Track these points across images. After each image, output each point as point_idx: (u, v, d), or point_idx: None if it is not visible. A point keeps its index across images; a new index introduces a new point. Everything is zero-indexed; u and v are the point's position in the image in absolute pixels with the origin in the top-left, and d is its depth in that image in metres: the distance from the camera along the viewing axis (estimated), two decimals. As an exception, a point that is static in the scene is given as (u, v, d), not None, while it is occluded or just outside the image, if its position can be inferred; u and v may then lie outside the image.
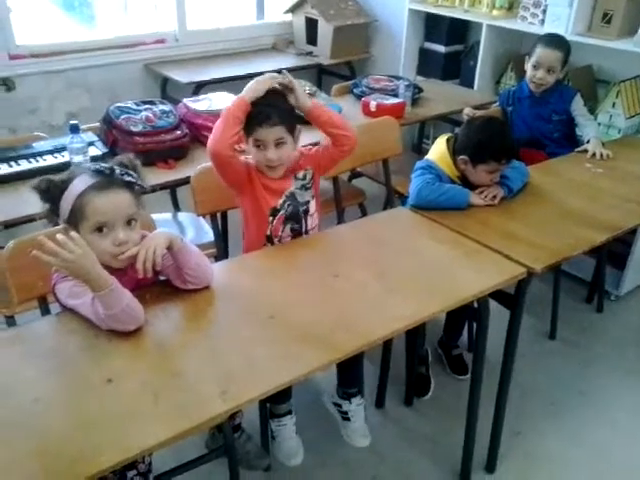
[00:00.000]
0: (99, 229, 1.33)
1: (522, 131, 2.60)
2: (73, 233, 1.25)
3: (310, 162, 1.79)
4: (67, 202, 1.34)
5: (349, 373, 1.97)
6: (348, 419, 1.99)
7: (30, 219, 1.77)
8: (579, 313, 2.75)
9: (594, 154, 2.35)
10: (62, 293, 1.36)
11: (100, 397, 1.16)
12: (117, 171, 1.36)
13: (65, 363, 1.26)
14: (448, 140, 2.02)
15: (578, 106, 2.57)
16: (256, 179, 1.73)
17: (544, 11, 2.96)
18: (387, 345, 2.11)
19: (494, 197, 1.93)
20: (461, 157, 1.95)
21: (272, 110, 1.63)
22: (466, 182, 1.98)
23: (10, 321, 1.85)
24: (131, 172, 1.39)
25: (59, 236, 1.22)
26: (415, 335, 2.12)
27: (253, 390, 1.19)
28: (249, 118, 1.63)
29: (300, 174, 1.78)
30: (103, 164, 1.38)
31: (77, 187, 1.33)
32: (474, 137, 1.94)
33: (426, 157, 2.04)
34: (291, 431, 1.92)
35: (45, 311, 1.57)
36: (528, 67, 2.58)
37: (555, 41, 2.56)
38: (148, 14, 3.97)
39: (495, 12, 3.25)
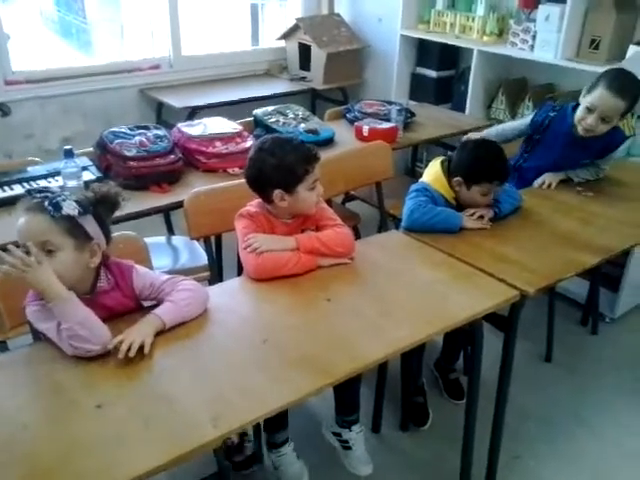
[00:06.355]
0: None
1: (542, 159, 2.30)
2: (30, 245, 1.28)
3: (315, 224, 1.78)
4: None
5: (347, 400, 1.93)
6: (349, 447, 1.94)
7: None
8: (574, 335, 2.74)
9: (543, 183, 2.27)
10: (32, 316, 1.37)
11: (89, 423, 1.14)
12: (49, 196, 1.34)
13: (54, 389, 1.24)
14: (442, 162, 2.04)
15: (613, 155, 2.29)
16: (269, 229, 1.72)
17: (534, 37, 3.01)
18: (382, 369, 2.09)
19: (484, 217, 1.93)
20: (455, 179, 1.96)
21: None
22: (462, 204, 1.99)
23: (2, 346, 1.82)
24: (66, 198, 1.34)
25: (10, 246, 1.27)
26: (410, 359, 2.10)
27: (245, 415, 1.18)
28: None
29: (308, 231, 1.75)
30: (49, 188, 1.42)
31: None
32: (467, 158, 1.96)
33: (421, 179, 2.05)
34: (292, 457, 1.90)
35: (36, 336, 1.55)
36: (581, 105, 2.14)
37: (622, 87, 2.05)
38: (144, 40, 4.02)
39: (485, 38, 3.31)
